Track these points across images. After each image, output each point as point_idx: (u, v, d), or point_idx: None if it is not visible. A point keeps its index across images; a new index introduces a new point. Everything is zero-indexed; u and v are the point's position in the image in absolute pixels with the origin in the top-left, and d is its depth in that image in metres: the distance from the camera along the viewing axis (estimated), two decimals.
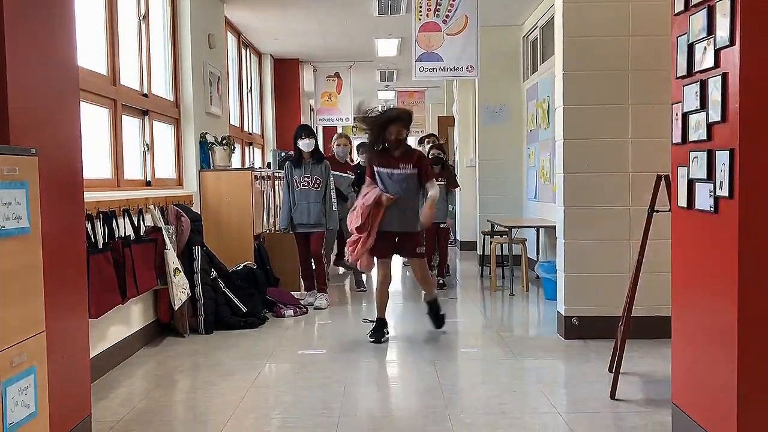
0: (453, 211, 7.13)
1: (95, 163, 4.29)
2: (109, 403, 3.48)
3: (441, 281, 6.81)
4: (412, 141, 9.19)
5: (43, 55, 2.64)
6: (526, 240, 6.90)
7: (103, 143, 4.52)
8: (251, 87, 9.43)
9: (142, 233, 4.46)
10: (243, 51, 8.89)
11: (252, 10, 7.55)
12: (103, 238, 3.94)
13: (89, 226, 3.72)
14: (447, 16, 6.15)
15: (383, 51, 9.75)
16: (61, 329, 2.64)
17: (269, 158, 9.47)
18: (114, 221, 4.04)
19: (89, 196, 3.43)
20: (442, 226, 6.79)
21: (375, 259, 4.83)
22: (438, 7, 6.15)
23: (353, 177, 6.88)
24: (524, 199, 8.32)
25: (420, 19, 6.17)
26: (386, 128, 4.67)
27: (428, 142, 7.45)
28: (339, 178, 6.62)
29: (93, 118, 4.32)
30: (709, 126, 2.58)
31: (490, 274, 6.84)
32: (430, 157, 6.85)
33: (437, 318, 4.99)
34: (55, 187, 2.64)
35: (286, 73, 10.43)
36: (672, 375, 2.99)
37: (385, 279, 4.88)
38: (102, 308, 3.77)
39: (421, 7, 6.17)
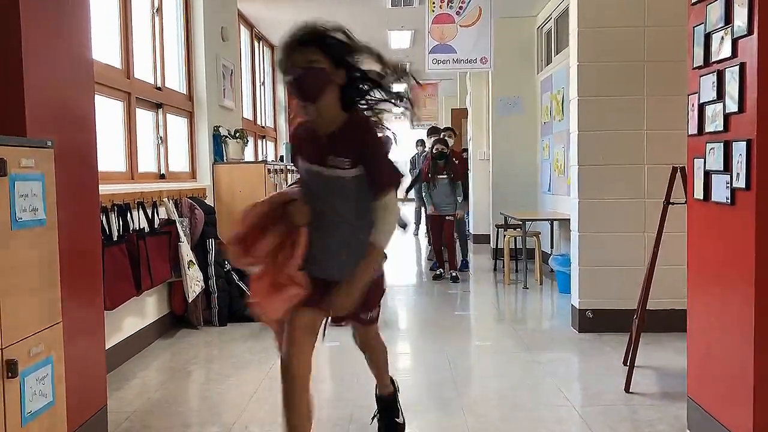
0: (462, 202, 7.14)
1: (110, 156, 4.32)
2: (124, 394, 3.51)
3: (453, 274, 6.85)
4: (424, 135, 9.16)
5: (59, 49, 2.65)
6: (539, 233, 6.88)
7: (117, 136, 4.55)
8: (264, 80, 9.44)
9: (156, 226, 4.48)
10: (256, 44, 8.89)
11: (264, 2, 7.55)
12: (118, 231, 3.96)
13: (104, 218, 3.74)
14: (460, 8, 6.12)
15: (396, 43, 9.72)
16: (77, 320, 2.66)
17: (282, 151, 9.48)
18: (128, 214, 4.07)
19: (104, 188, 3.45)
20: (448, 218, 6.88)
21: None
22: None
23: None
24: (538, 191, 8.28)
25: (433, 11, 6.14)
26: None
27: (443, 137, 7.40)
28: None
29: (107, 111, 4.35)
30: (726, 117, 2.55)
31: (503, 267, 6.82)
32: (433, 152, 6.85)
33: (390, 428, 2.84)
34: (71, 180, 2.66)
35: None
36: (687, 368, 2.97)
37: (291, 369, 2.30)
38: (117, 300, 3.80)
39: None
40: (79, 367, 2.67)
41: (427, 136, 7.99)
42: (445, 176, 6.84)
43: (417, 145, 11.92)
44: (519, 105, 8.41)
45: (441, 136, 7.33)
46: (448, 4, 6.13)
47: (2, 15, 2.36)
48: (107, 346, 3.38)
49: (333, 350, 4.39)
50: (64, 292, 2.34)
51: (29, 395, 2.08)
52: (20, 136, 2.34)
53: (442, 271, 7.01)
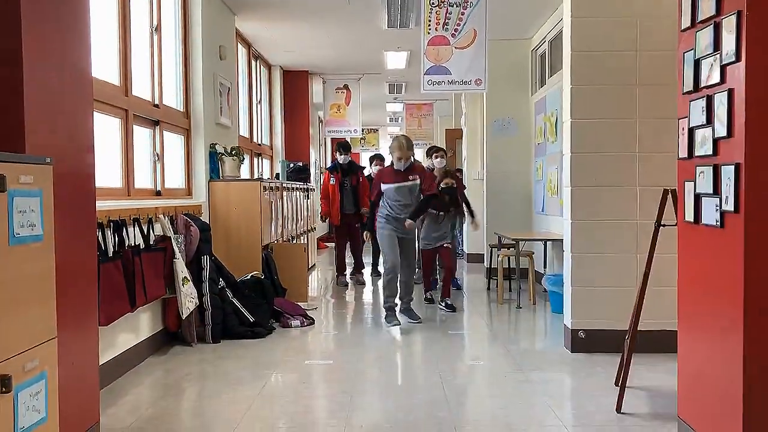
0: (456, 233, 7.07)
1: (106, 172, 4.34)
2: (116, 411, 3.50)
3: (449, 302, 6.29)
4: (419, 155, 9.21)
5: (59, 66, 2.69)
6: (533, 253, 6.91)
7: (114, 152, 4.58)
8: (261, 98, 9.50)
9: (151, 242, 4.49)
10: (253, 62, 8.96)
11: (262, 22, 7.63)
12: (114, 247, 3.97)
13: (100, 234, 3.75)
14: (456, 30, 6.19)
15: (392, 64, 9.81)
16: (71, 336, 2.67)
17: (278, 169, 9.53)
18: (124, 230, 4.08)
19: (100, 204, 3.47)
20: (445, 245, 6.49)
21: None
22: (447, 21, 6.20)
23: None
24: (532, 212, 8.32)
25: (429, 33, 6.21)
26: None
27: (436, 157, 7.23)
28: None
29: (105, 128, 4.38)
30: (715, 141, 2.60)
31: (497, 286, 6.84)
32: (441, 187, 6.47)
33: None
34: (69, 196, 2.68)
35: (295, 84, 10.51)
36: (678, 389, 2.99)
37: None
38: (111, 316, 3.81)
39: (430, 20, 6.22)
40: (73, 382, 2.67)
41: (427, 156, 7.81)
42: (451, 212, 6.59)
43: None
44: (513, 126, 8.48)
45: (446, 168, 7.15)
46: (443, 27, 6.20)
47: (3, 32, 2.39)
48: (100, 362, 3.38)
49: (326, 368, 4.39)
50: (59, 308, 2.36)
51: (22, 411, 2.08)
52: (19, 152, 2.36)
53: (431, 294, 6.68)
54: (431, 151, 7.48)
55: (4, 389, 1.98)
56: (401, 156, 5.75)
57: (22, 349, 2.10)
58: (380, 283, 5.66)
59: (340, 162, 8.03)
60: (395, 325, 5.55)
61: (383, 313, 5.79)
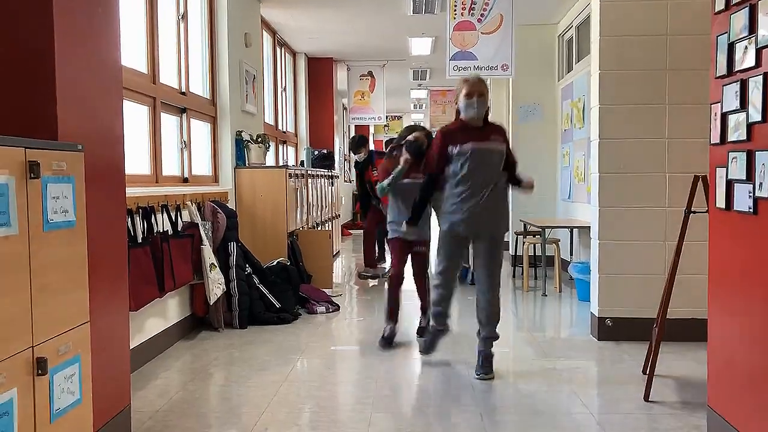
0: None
1: (135, 159, 4.39)
2: (146, 394, 3.57)
3: (432, 323, 4.25)
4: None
5: (90, 54, 2.72)
6: (559, 240, 6.86)
7: (142, 140, 4.63)
8: (285, 86, 9.52)
9: (179, 229, 4.54)
10: (278, 50, 8.98)
11: (287, 9, 7.63)
12: (143, 233, 4.03)
13: (129, 220, 3.81)
14: (482, 15, 6.14)
15: (417, 50, 9.76)
16: (103, 320, 2.71)
17: (302, 156, 9.56)
18: (153, 216, 4.13)
19: (129, 191, 3.51)
20: (417, 248, 4.61)
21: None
22: (473, 5, 6.14)
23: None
24: (558, 199, 8.26)
25: (455, 18, 6.17)
26: None
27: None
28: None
29: (133, 115, 4.42)
30: (749, 126, 2.55)
31: (522, 274, 6.81)
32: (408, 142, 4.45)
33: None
34: (99, 182, 2.72)
35: (319, 71, 10.51)
36: (708, 378, 2.96)
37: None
38: (141, 301, 3.86)
39: (455, 5, 6.17)
40: (105, 366, 2.72)
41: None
42: (419, 179, 4.17)
43: None
44: (539, 112, 8.40)
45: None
46: (469, 12, 6.15)
47: (36, 22, 2.42)
48: (131, 347, 3.44)
49: (351, 354, 4.42)
50: (91, 293, 2.40)
51: (57, 393, 2.13)
52: (52, 140, 2.40)
53: (392, 328, 4.62)
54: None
55: (40, 372, 2.02)
56: (480, 96, 3.75)
57: (57, 333, 2.14)
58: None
59: (357, 160, 7.96)
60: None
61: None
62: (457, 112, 3.88)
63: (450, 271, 3.96)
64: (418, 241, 4.58)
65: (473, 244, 3.98)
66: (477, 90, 3.76)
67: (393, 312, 4.63)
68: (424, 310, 4.73)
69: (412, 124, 7.67)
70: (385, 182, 4.50)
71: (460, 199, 3.77)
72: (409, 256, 4.68)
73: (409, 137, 4.50)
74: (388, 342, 4.54)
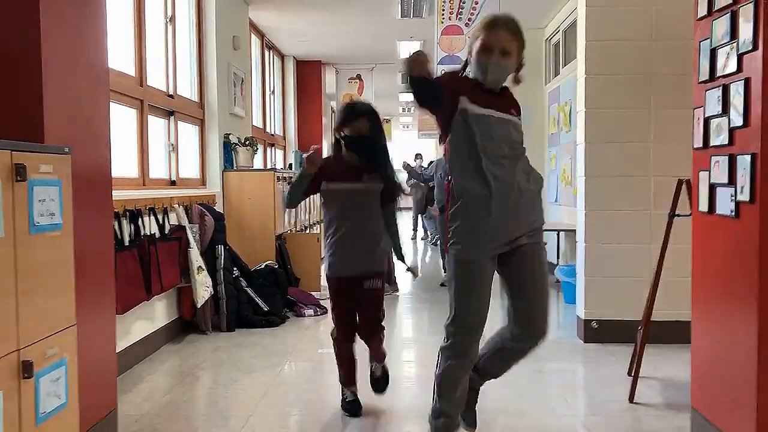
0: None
1: (122, 162, 4.38)
2: (133, 398, 3.55)
3: (386, 372, 3.55)
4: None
5: (77, 57, 2.71)
6: (546, 243, 6.88)
7: (129, 143, 4.61)
8: (274, 88, 9.52)
9: (166, 232, 4.53)
10: (266, 53, 8.98)
11: (276, 12, 7.63)
12: (130, 236, 4.02)
13: (116, 223, 3.79)
14: (470, 19, 6.17)
15: (405, 53, 9.78)
16: (90, 323, 2.71)
17: (291, 159, 9.56)
18: (140, 219, 4.12)
19: (116, 194, 3.50)
20: (367, 283, 3.18)
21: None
22: (461, 9, 6.17)
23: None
24: (545, 202, 8.29)
25: (442, 22, 6.20)
26: None
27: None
28: None
29: (120, 118, 4.41)
30: (731, 131, 2.59)
31: None
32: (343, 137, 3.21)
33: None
34: (86, 185, 2.71)
35: (308, 74, 10.52)
36: (691, 379, 2.99)
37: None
38: (128, 304, 3.85)
39: (443, 10, 6.19)
40: (91, 369, 2.71)
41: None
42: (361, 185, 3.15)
43: (415, 159, 12.09)
44: (526, 116, 8.43)
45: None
46: (457, 16, 6.18)
47: (23, 24, 2.42)
48: (117, 350, 3.43)
49: None
50: (77, 296, 2.39)
51: (43, 396, 2.13)
52: (38, 142, 2.39)
53: (353, 392, 3.38)
54: None
55: (26, 375, 2.02)
56: (504, 55, 2.63)
57: (43, 336, 2.14)
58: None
59: None
60: None
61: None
62: (465, 63, 2.68)
63: (472, 329, 2.68)
64: (367, 275, 3.12)
65: (506, 261, 2.72)
66: (499, 45, 2.57)
67: (349, 375, 3.34)
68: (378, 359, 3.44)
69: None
70: (286, 191, 3.30)
71: (489, 191, 2.58)
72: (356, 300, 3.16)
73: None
74: (356, 406, 3.29)
